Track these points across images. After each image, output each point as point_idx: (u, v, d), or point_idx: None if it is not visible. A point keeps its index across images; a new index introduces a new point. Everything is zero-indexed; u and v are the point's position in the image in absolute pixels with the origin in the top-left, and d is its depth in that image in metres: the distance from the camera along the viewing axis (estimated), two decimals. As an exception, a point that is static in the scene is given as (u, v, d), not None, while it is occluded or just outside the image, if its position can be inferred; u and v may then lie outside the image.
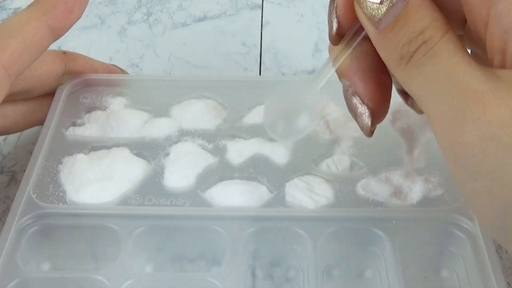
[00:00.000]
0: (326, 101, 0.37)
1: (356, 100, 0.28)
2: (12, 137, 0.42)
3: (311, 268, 0.29)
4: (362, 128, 0.28)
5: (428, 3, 0.24)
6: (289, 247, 0.31)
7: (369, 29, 0.25)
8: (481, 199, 0.23)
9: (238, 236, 0.30)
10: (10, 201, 0.37)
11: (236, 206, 0.32)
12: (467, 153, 0.22)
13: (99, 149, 0.35)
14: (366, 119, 0.28)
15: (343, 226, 0.31)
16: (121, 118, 0.36)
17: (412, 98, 0.26)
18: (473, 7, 0.24)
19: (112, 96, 0.38)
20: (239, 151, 0.34)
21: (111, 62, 0.43)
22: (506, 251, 0.34)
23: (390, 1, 0.24)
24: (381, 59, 0.26)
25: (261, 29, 0.52)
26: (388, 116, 0.36)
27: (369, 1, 0.24)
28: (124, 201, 0.32)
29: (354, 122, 0.35)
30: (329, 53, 0.29)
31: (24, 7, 0.33)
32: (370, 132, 0.28)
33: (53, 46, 0.35)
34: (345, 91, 0.28)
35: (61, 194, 0.32)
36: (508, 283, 0.33)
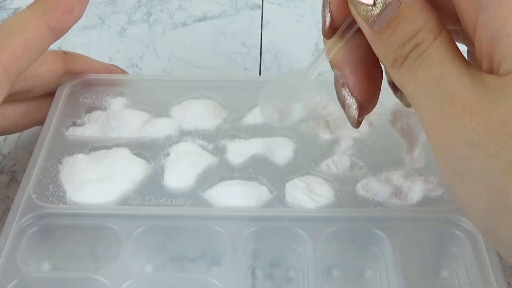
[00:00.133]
0: (326, 101, 0.37)
1: (345, 92, 0.28)
2: (12, 137, 0.42)
3: (311, 268, 0.29)
4: (349, 119, 0.29)
5: (422, 3, 0.24)
6: (289, 247, 0.31)
7: (364, 28, 0.25)
8: (469, 201, 0.23)
9: (238, 236, 0.30)
10: (10, 201, 0.37)
11: (236, 206, 0.32)
12: (455, 157, 0.23)
13: (99, 149, 0.35)
14: (354, 111, 0.28)
15: (343, 226, 0.31)
16: (121, 118, 0.36)
17: (401, 91, 0.26)
18: (463, 11, 0.24)
19: (112, 96, 0.38)
20: (239, 151, 0.34)
21: (111, 62, 0.43)
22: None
23: (383, 3, 0.24)
24: (372, 52, 0.26)
25: (261, 29, 0.52)
26: (388, 116, 0.36)
27: (363, 3, 0.24)
28: (124, 201, 0.32)
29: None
30: (324, 44, 0.29)
31: (24, 7, 0.33)
32: (357, 123, 0.29)
33: (53, 46, 0.35)
34: (336, 81, 0.29)
35: (61, 194, 0.32)
36: (508, 283, 0.33)
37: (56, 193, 0.32)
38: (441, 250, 0.32)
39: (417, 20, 0.24)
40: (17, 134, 0.42)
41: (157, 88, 0.39)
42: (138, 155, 0.35)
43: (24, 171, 0.33)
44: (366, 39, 0.26)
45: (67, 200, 0.32)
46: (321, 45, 0.50)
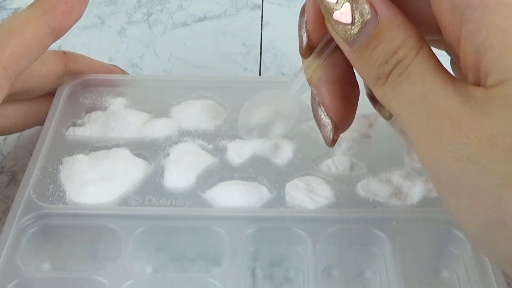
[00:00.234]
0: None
1: (320, 111, 0.28)
2: (12, 137, 0.42)
3: (311, 268, 0.29)
4: (324, 138, 0.29)
5: (401, 19, 0.24)
6: (289, 247, 0.31)
7: (344, 47, 0.25)
8: (463, 216, 0.23)
9: (238, 236, 0.30)
10: (10, 201, 0.37)
11: (236, 207, 0.32)
12: (446, 173, 0.22)
13: (99, 149, 0.35)
14: (328, 132, 0.28)
15: (343, 227, 0.31)
16: (121, 118, 0.36)
17: (380, 104, 0.26)
18: (446, 24, 0.24)
19: (112, 96, 0.38)
20: (239, 151, 0.34)
21: (111, 62, 0.43)
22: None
23: (361, 22, 0.24)
24: (349, 71, 0.26)
25: (261, 29, 0.52)
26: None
27: (341, 23, 0.24)
28: (124, 201, 0.32)
29: (355, 123, 0.36)
30: (302, 62, 0.29)
31: (24, 7, 0.33)
32: (332, 142, 0.29)
33: (53, 46, 0.35)
34: (312, 98, 0.29)
35: (61, 194, 0.32)
36: (508, 283, 0.33)
37: (56, 193, 0.32)
38: (441, 250, 0.32)
39: (398, 37, 0.24)
40: (17, 134, 0.42)
41: (157, 88, 0.39)
42: (138, 155, 0.35)
43: (24, 171, 0.33)
44: (344, 57, 0.25)
45: (67, 200, 0.32)
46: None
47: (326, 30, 0.26)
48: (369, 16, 0.24)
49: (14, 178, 0.39)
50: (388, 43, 0.24)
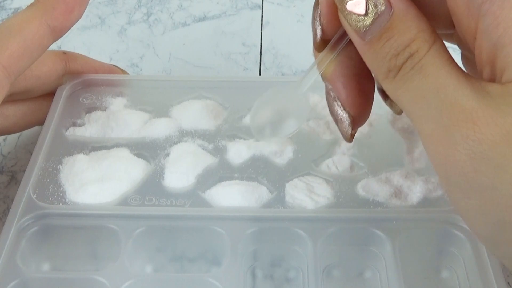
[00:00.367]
0: (325, 102, 0.37)
1: (337, 106, 0.28)
2: (12, 137, 0.42)
3: (311, 268, 0.29)
4: (342, 133, 0.28)
5: (414, 12, 0.23)
6: (289, 247, 0.31)
7: (355, 39, 0.25)
8: (474, 217, 0.23)
9: (238, 236, 0.30)
10: (10, 201, 0.37)
11: (236, 207, 0.32)
12: (458, 171, 0.22)
13: (99, 149, 0.35)
14: (347, 127, 0.28)
15: (343, 227, 0.31)
16: (121, 118, 0.36)
17: (391, 99, 0.26)
18: (461, 18, 0.23)
19: (112, 96, 0.38)
20: (239, 151, 0.34)
21: (111, 62, 0.43)
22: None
23: (375, 13, 0.23)
24: (364, 65, 0.26)
25: (261, 29, 0.52)
26: (388, 116, 0.36)
27: (354, 13, 0.24)
28: (124, 201, 0.32)
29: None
30: (314, 57, 0.29)
31: (24, 7, 0.33)
32: (350, 137, 0.28)
33: (53, 46, 0.35)
34: (327, 94, 0.28)
35: (61, 194, 0.32)
36: (508, 283, 0.33)
37: (56, 193, 0.32)
38: (441, 250, 0.32)
39: (411, 30, 0.23)
40: (17, 134, 0.42)
41: (157, 88, 0.39)
42: (138, 155, 0.35)
43: (24, 171, 0.33)
44: (357, 51, 0.25)
45: (67, 200, 0.32)
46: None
47: (340, 24, 0.25)
48: (383, 8, 0.23)
49: (14, 178, 0.39)
50: (401, 35, 0.23)
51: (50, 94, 0.38)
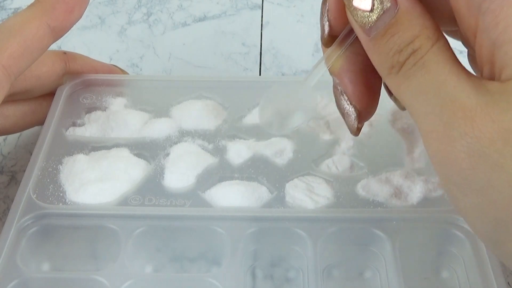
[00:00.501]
0: (326, 101, 0.37)
1: (344, 100, 0.28)
2: (12, 137, 0.42)
3: (311, 268, 0.29)
4: (349, 127, 0.28)
5: (419, 9, 0.24)
6: (289, 247, 0.31)
7: (361, 35, 0.25)
8: (473, 215, 0.23)
9: (238, 236, 0.30)
10: (10, 201, 0.37)
11: (236, 207, 0.32)
12: (457, 169, 0.22)
13: (99, 149, 0.35)
14: (353, 121, 0.28)
15: (343, 227, 0.31)
16: (121, 118, 0.36)
17: None
18: (463, 16, 0.23)
19: (112, 96, 0.38)
20: (239, 151, 0.34)
21: (111, 62, 0.43)
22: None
23: (380, 9, 0.24)
24: (370, 61, 0.26)
25: (261, 29, 0.52)
26: (388, 116, 0.36)
27: (360, 9, 0.24)
28: (124, 201, 0.32)
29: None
30: (322, 52, 0.29)
31: (24, 7, 0.33)
32: (357, 131, 0.28)
33: (53, 46, 0.35)
34: (334, 87, 0.28)
35: (61, 194, 0.32)
36: (508, 283, 0.33)
37: (56, 193, 0.32)
38: (441, 250, 0.32)
39: (415, 26, 0.23)
40: (17, 134, 0.42)
41: (157, 88, 0.39)
42: (138, 155, 0.35)
43: (24, 171, 0.33)
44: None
45: (67, 200, 0.32)
46: (321, 45, 0.50)
47: (347, 20, 0.26)
48: (388, 4, 0.23)
49: (14, 178, 0.39)
50: (405, 32, 0.23)
51: (50, 94, 0.38)
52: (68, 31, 0.34)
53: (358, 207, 0.31)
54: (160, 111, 0.37)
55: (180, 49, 0.50)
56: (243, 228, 0.31)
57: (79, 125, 0.37)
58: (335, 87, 0.28)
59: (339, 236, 0.31)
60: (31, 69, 0.35)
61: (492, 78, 0.23)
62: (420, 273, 0.32)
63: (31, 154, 0.34)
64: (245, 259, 0.31)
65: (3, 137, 0.42)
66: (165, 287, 0.30)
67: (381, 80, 0.28)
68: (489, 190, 0.21)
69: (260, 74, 0.48)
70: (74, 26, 0.34)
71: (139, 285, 0.29)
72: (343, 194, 0.32)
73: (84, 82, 0.39)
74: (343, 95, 0.28)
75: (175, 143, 0.35)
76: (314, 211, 0.31)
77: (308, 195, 0.32)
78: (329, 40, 0.27)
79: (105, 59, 0.45)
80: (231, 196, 0.32)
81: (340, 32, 0.27)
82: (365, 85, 0.28)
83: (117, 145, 0.35)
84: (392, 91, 0.25)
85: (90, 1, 0.35)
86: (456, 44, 0.26)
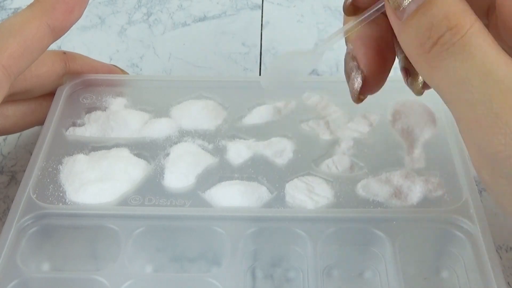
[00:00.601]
0: (326, 102, 0.37)
1: (352, 64, 0.27)
2: (12, 137, 0.42)
3: (311, 268, 0.29)
4: (351, 92, 0.27)
5: None
6: (289, 247, 0.31)
7: (392, 19, 0.24)
8: None
9: (238, 236, 0.30)
10: (10, 201, 0.37)
11: (236, 207, 0.32)
12: (510, 161, 0.21)
13: (99, 149, 0.35)
14: (357, 84, 0.27)
15: (343, 227, 0.31)
16: (121, 118, 0.36)
17: (412, 77, 0.25)
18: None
19: (112, 96, 0.38)
20: (239, 151, 0.34)
21: (111, 62, 0.43)
22: (506, 251, 0.34)
23: None
24: (389, 32, 0.24)
25: (261, 29, 0.52)
26: (388, 116, 0.36)
27: None
28: (124, 201, 0.32)
29: (354, 123, 0.36)
30: (344, 17, 0.28)
31: (24, 7, 0.33)
32: (357, 99, 0.27)
33: (53, 46, 0.35)
34: (347, 54, 0.28)
35: (61, 194, 0.32)
36: (508, 283, 0.33)
37: (56, 193, 0.32)
38: (441, 250, 0.32)
39: (450, 6, 0.22)
40: (17, 134, 0.42)
41: (157, 88, 0.39)
42: (138, 155, 0.35)
43: (24, 171, 0.33)
44: (386, 21, 0.24)
45: (67, 200, 0.32)
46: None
47: None
48: None
49: (14, 178, 0.39)
50: (439, 9, 0.22)
51: (50, 94, 0.38)
52: (68, 31, 0.34)
53: (358, 207, 0.31)
54: (160, 111, 0.37)
55: (180, 49, 0.50)
56: (243, 228, 0.31)
57: (79, 125, 0.37)
58: (348, 53, 0.27)
59: (339, 236, 0.31)
60: (31, 69, 0.35)
61: None
62: (420, 273, 0.32)
63: (31, 154, 0.34)
64: (245, 259, 0.31)
65: (3, 137, 0.42)
66: (165, 287, 0.30)
67: (394, 57, 0.27)
68: None
69: (260, 74, 0.48)
70: (74, 26, 0.34)
71: (139, 285, 0.29)
72: (343, 194, 0.32)
73: (84, 82, 0.39)
74: (353, 59, 0.27)
75: (175, 143, 0.35)
76: (314, 211, 0.31)
77: (308, 195, 0.32)
78: (350, 9, 0.26)
79: (105, 59, 0.45)
80: (231, 196, 0.32)
81: (363, 4, 0.26)
82: (377, 52, 0.26)
83: (117, 145, 0.35)
84: (423, 75, 0.23)
85: (90, 1, 0.35)
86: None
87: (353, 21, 0.27)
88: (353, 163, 0.34)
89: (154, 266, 0.32)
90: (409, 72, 0.25)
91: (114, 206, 0.32)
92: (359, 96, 0.27)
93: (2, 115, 0.36)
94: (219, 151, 0.35)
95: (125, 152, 0.35)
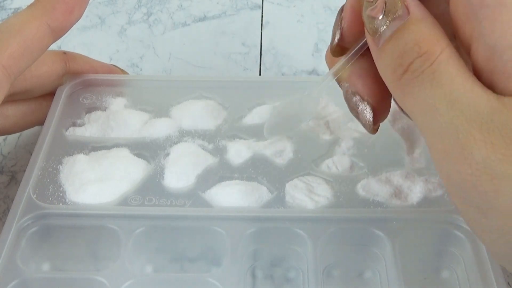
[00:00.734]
0: (326, 101, 0.37)
1: (356, 99, 0.27)
2: (12, 137, 0.42)
3: (311, 268, 0.29)
4: (365, 125, 0.28)
5: (431, 20, 0.23)
6: (289, 247, 0.31)
7: (371, 45, 0.24)
8: (492, 236, 0.22)
9: (238, 236, 0.30)
10: (10, 201, 0.37)
11: (236, 207, 0.32)
12: (478, 191, 0.21)
13: (99, 149, 0.35)
14: (368, 115, 0.27)
15: (343, 227, 0.31)
16: (121, 118, 0.36)
17: None
18: (460, 25, 0.23)
19: (112, 96, 0.38)
20: (239, 151, 0.34)
21: (111, 62, 0.43)
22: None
23: (391, 17, 0.23)
24: None
25: (261, 29, 0.52)
26: (388, 116, 0.36)
27: (371, 16, 0.23)
28: (124, 201, 0.32)
29: (355, 123, 0.36)
30: (326, 61, 0.29)
31: (24, 7, 0.33)
32: (373, 129, 0.28)
33: (53, 46, 0.35)
34: (345, 93, 0.28)
35: (61, 194, 0.32)
36: (508, 283, 0.33)
37: (56, 193, 0.32)
38: (441, 250, 0.32)
39: (422, 32, 0.22)
40: (17, 134, 0.42)
41: (157, 88, 0.39)
42: (138, 155, 0.35)
43: (24, 171, 0.33)
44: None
45: (67, 200, 0.32)
46: (321, 45, 0.50)
47: (359, 31, 0.25)
48: (400, 12, 0.23)
49: (14, 178, 0.39)
50: (411, 35, 0.22)
51: (50, 94, 0.38)
52: (68, 31, 0.34)
53: (358, 207, 0.31)
54: (160, 111, 0.37)
55: (180, 49, 0.50)
56: (243, 228, 0.31)
57: (79, 125, 0.37)
58: (346, 92, 0.28)
59: (339, 236, 0.31)
60: (31, 69, 0.35)
61: (491, 87, 0.22)
62: (420, 273, 0.32)
63: (31, 154, 0.34)
64: (245, 259, 0.31)
65: (3, 137, 0.42)
66: (165, 287, 0.30)
67: None
68: None
69: (260, 74, 0.48)
70: (74, 26, 0.34)
71: (139, 285, 0.29)
72: (343, 194, 0.32)
73: (84, 82, 0.39)
74: (354, 95, 0.27)
75: (175, 143, 0.35)
76: (314, 211, 0.31)
77: (308, 195, 0.32)
78: (337, 50, 0.27)
79: (105, 59, 0.45)
80: (231, 196, 0.32)
81: (349, 43, 0.27)
82: (375, 81, 0.27)
83: (117, 145, 0.35)
84: (398, 102, 0.24)
85: (90, 1, 0.35)
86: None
87: (342, 59, 0.27)
88: (353, 163, 0.34)
89: (154, 266, 0.32)
90: None
91: (114, 206, 0.32)
92: (374, 127, 0.28)
93: (2, 115, 0.36)
94: (219, 151, 0.35)
95: (125, 152, 0.35)
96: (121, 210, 0.31)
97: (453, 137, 0.21)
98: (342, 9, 0.27)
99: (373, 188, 0.32)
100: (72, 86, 0.38)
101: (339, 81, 0.28)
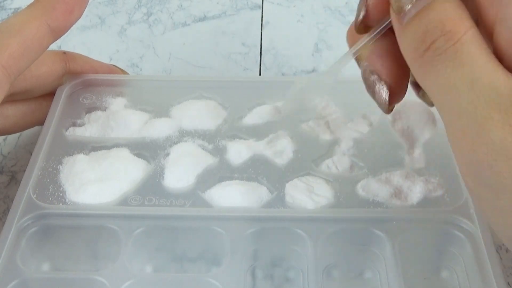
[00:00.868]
0: (326, 102, 0.37)
1: (373, 77, 0.27)
2: (12, 137, 0.42)
3: (311, 268, 0.29)
4: (380, 105, 0.28)
5: (457, 1, 0.23)
6: (289, 247, 0.31)
7: (395, 24, 0.24)
8: (503, 217, 0.22)
9: (238, 236, 0.30)
10: (10, 201, 0.37)
11: (236, 207, 0.32)
12: (492, 171, 0.21)
13: (99, 149, 0.35)
14: (384, 95, 0.27)
15: (343, 227, 0.31)
16: (121, 118, 0.36)
17: (424, 91, 0.25)
18: (484, 8, 0.22)
19: (112, 96, 0.38)
20: (239, 151, 0.34)
21: (111, 62, 0.43)
22: (506, 251, 0.34)
23: None
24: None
25: (261, 29, 0.52)
26: (388, 116, 0.36)
27: None
28: (124, 201, 0.32)
29: (354, 123, 0.36)
30: (347, 39, 0.28)
31: (24, 7, 0.33)
32: (388, 110, 0.28)
33: (53, 46, 0.35)
34: (363, 72, 0.28)
35: (61, 194, 0.32)
36: (508, 283, 0.33)
37: (56, 193, 0.32)
38: (441, 250, 0.32)
39: (447, 11, 0.22)
40: (17, 134, 0.42)
41: (157, 88, 0.39)
42: (138, 155, 0.35)
43: (24, 171, 0.33)
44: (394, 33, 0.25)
45: (67, 200, 0.32)
46: (321, 45, 0.50)
47: (385, 8, 0.25)
48: None
49: (14, 178, 0.39)
50: (435, 15, 0.22)
51: (50, 94, 0.38)
52: (67, 31, 0.34)
53: (358, 207, 0.31)
54: (160, 111, 0.37)
55: (180, 49, 0.50)
56: (243, 228, 0.31)
57: (79, 125, 0.37)
58: (364, 71, 0.28)
59: (339, 236, 0.31)
60: (31, 69, 0.35)
61: (511, 70, 0.21)
62: (420, 273, 0.32)
63: (31, 154, 0.34)
64: (245, 259, 0.31)
65: (3, 137, 0.42)
66: (165, 287, 0.30)
67: None
68: None
69: (260, 74, 0.48)
70: (74, 26, 0.34)
71: (139, 285, 0.29)
72: (343, 194, 0.32)
73: (84, 82, 0.39)
74: (373, 73, 0.27)
75: (175, 143, 0.35)
76: (314, 211, 0.31)
77: (308, 195, 0.32)
78: (360, 27, 0.27)
79: (105, 59, 0.45)
80: (231, 196, 0.32)
81: (373, 21, 0.27)
82: (395, 62, 0.27)
83: (117, 145, 0.35)
84: (418, 81, 0.24)
85: (90, 1, 0.35)
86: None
87: (365, 38, 0.27)
88: (353, 163, 0.34)
89: (154, 266, 0.32)
90: (418, 85, 0.26)
91: (114, 206, 0.32)
92: (389, 107, 0.28)
93: (2, 115, 0.36)
94: (219, 151, 0.35)
95: (125, 152, 0.35)
96: (121, 210, 0.31)
97: (471, 116, 0.21)
98: None
99: (373, 188, 0.32)
100: (72, 86, 0.38)
101: (358, 60, 0.28)
